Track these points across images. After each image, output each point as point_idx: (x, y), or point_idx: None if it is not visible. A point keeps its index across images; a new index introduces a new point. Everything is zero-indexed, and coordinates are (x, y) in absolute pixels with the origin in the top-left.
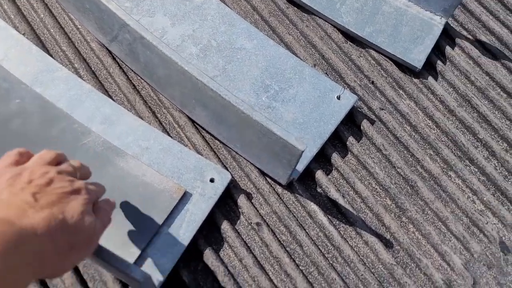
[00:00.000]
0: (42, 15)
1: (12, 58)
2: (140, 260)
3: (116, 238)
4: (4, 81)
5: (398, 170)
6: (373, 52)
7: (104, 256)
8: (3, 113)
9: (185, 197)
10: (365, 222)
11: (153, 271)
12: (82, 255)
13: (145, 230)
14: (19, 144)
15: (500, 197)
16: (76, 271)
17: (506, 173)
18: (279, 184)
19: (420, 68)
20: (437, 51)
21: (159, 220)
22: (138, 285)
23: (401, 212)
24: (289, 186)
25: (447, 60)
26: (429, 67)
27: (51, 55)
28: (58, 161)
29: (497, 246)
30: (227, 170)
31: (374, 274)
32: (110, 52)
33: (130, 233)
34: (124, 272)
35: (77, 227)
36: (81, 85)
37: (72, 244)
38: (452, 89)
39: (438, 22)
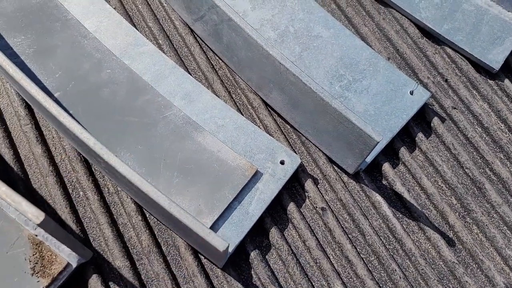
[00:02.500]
0: None
1: (104, 31)
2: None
3: (190, 209)
4: (97, 51)
5: (466, 170)
6: (449, 50)
7: (187, 223)
8: (95, 82)
9: (256, 176)
10: (428, 218)
11: None
12: None
13: (218, 203)
14: (107, 112)
15: None
16: (152, 234)
17: None
18: (346, 172)
19: (497, 69)
20: None
21: (231, 195)
22: (215, 253)
23: (466, 213)
24: (355, 176)
25: None
26: (507, 70)
27: (137, 30)
28: None
29: None
30: (296, 154)
31: (434, 270)
32: (192, 31)
33: (203, 205)
34: (204, 240)
35: None
36: (165, 60)
37: None
38: None
39: None
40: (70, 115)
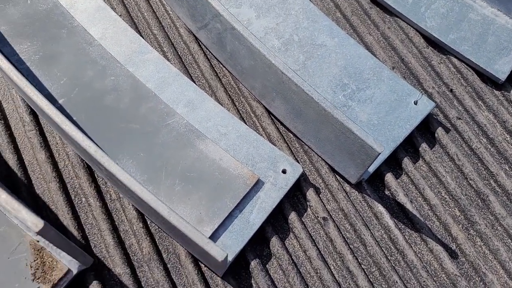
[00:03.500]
0: None
1: (109, 38)
2: (211, 239)
3: (191, 217)
4: (102, 58)
5: (470, 181)
6: (454, 60)
7: (186, 232)
8: (99, 88)
9: (257, 184)
10: (431, 230)
11: None
12: None
13: (219, 212)
14: (110, 119)
15: None
16: (153, 241)
17: None
18: (348, 182)
19: (503, 80)
20: None
21: (232, 204)
22: (215, 262)
23: (469, 225)
24: (358, 186)
25: None
26: None
27: (142, 37)
28: None
29: None
30: (298, 163)
31: (436, 283)
32: (196, 38)
33: (204, 213)
34: (203, 249)
35: None
36: (169, 68)
37: None
38: None
39: None
40: (74, 121)
